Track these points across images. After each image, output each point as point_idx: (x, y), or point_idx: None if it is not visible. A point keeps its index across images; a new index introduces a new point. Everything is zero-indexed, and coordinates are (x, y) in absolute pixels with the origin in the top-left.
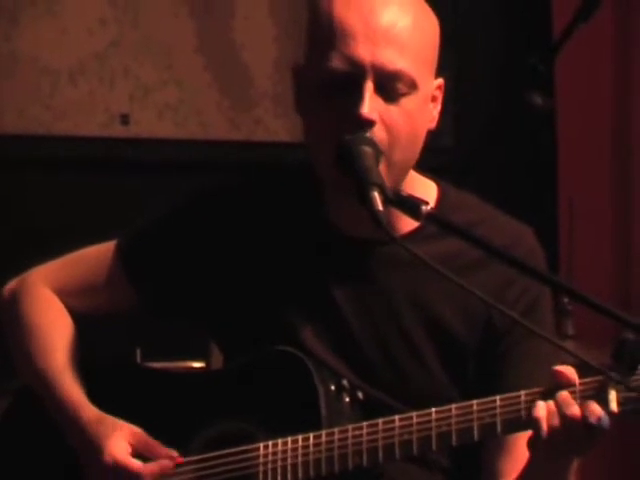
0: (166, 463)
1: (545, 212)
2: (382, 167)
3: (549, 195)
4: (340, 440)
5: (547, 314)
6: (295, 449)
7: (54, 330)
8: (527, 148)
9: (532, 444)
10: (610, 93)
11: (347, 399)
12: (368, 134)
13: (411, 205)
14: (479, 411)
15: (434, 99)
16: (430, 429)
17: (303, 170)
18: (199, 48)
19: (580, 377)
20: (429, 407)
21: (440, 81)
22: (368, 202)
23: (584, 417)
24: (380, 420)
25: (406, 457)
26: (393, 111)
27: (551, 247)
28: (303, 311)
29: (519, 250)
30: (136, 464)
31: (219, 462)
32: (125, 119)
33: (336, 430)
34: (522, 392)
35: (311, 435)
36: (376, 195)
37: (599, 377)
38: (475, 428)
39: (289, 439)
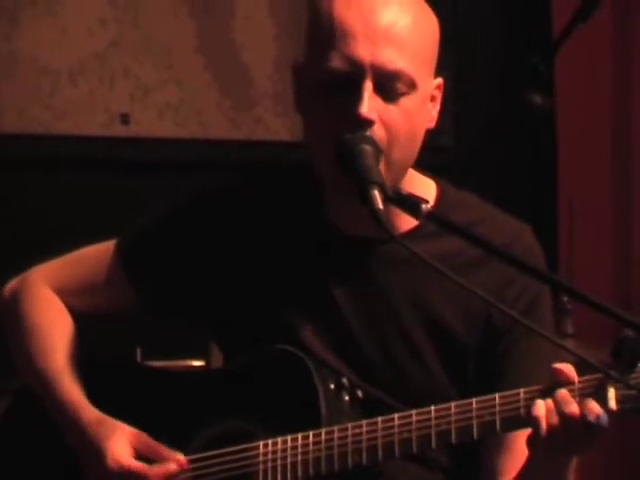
0: (173, 466)
1: (545, 212)
2: (381, 166)
3: (549, 195)
4: (340, 439)
5: (547, 313)
6: (295, 448)
7: (54, 330)
8: (527, 148)
9: (531, 442)
10: (610, 93)
11: (347, 398)
12: (368, 133)
13: (411, 204)
14: (478, 409)
15: (433, 99)
16: (430, 427)
17: (303, 169)
18: (199, 48)
19: (579, 375)
20: (429, 406)
21: (439, 81)
22: (368, 201)
23: (583, 415)
24: (379, 418)
25: (406, 455)
26: (392, 111)
27: (551, 247)
28: (303, 310)
29: (518, 248)
30: (141, 466)
31: (219, 461)
32: (125, 119)
33: (336, 429)
34: (521, 390)
35: (311, 434)
36: (376, 194)
37: (598, 375)
38: (474, 426)
39: (289, 438)
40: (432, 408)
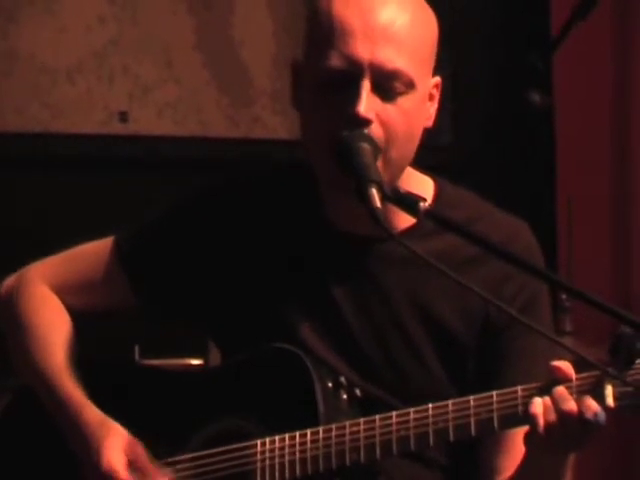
0: None
1: (544, 210)
2: (380, 164)
3: (548, 193)
4: (337, 437)
5: (545, 310)
6: (293, 446)
7: (52, 328)
8: (525, 146)
9: (528, 439)
10: (609, 91)
11: (344, 396)
12: (366, 131)
13: (409, 202)
14: (476, 407)
15: (431, 97)
16: (427, 425)
17: (301, 168)
18: (198, 45)
19: (577, 372)
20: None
21: (437, 79)
22: (366, 199)
23: (580, 412)
24: (377, 416)
25: (404, 453)
26: (390, 110)
27: (550, 246)
28: (302, 309)
29: (516, 246)
30: (129, 478)
31: (217, 459)
32: (124, 117)
33: (333, 427)
34: (519, 387)
35: (309, 432)
36: (374, 192)
37: (596, 372)
38: (472, 424)
39: (286, 436)
40: (430, 406)
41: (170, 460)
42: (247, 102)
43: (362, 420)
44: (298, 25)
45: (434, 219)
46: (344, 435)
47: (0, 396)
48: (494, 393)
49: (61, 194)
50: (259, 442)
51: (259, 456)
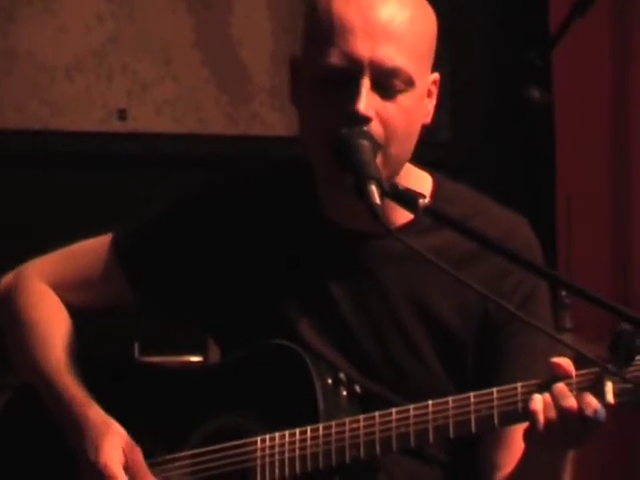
0: None
1: (543, 208)
2: (379, 161)
3: (547, 190)
4: (337, 433)
5: (544, 306)
6: (292, 443)
7: (52, 325)
8: (525, 143)
9: (528, 436)
10: (608, 87)
11: (344, 392)
12: (365, 128)
13: (408, 198)
14: (476, 403)
15: (430, 94)
16: (427, 422)
17: (299, 164)
18: (196, 43)
19: (577, 369)
20: (427, 401)
21: (436, 76)
22: (366, 196)
23: (580, 409)
24: (377, 413)
25: (403, 450)
26: (390, 108)
27: (549, 243)
28: (300, 305)
29: (515, 241)
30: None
31: (216, 456)
32: (123, 114)
33: (333, 423)
34: (518, 384)
35: (308, 429)
36: (373, 188)
37: (595, 369)
38: (472, 421)
39: (286, 433)
40: (430, 403)
41: (169, 457)
42: (246, 99)
43: (362, 417)
44: (297, 23)
45: (434, 216)
46: (344, 432)
47: (0, 394)
48: (494, 390)
49: (60, 191)
50: (259, 439)
51: (259, 453)
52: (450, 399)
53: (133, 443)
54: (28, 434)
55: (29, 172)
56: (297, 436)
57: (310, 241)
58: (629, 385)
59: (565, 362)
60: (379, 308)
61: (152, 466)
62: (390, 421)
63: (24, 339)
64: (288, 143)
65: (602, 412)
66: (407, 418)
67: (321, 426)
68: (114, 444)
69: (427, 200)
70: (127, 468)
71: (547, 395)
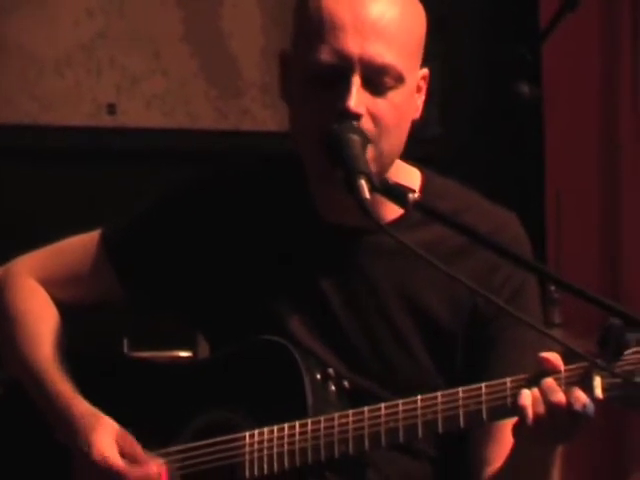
0: (153, 469)
1: (532, 203)
2: (370, 156)
3: (536, 186)
4: (326, 428)
5: (532, 300)
6: (281, 438)
7: (40, 321)
8: (514, 138)
9: (517, 431)
10: (597, 83)
11: (333, 388)
12: (355, 123)
13: (398, 193)
14: (465, 398)
15: (419, 89)
16: (416, 417)
17: (289, 160)
18: (186, 37)
19: (566, 364)
20: (416, 396)
21: (425, 71)
22: (355, 190)
23: (569, 404)
24: (366, 408)
25: (392, 445)
26: (380, 104)
27: (538, 238)
28: (290, 301)
29: (504, 236)
30: (124, 466)
31: (205, 451)
32: (112, 109)
33: (322, 418)
34: (507, 379)
35: (297, 424)
36: (363, 183)
37: (584, 364)
38: (461, 415)
39: (275, 428)
40: (418, 397)
41: (159, 452)
42: (236, 94)
43: (351, 412)
44: (287, 17)
45: (423, 210)
46: (333, 427)
47: None
48: (483, 385)
49: (49, 186)
50: (247, 434)
51: (247, 448)
52: (439, 394)
53: (123, 430)
54: (19, 430)
55: (18, 167)
56: (286, 431)
57: (300, 236)
58: (618, 380)
59: (554, 357)
60: (369, 303)
61: None
62: (379, 416)
63: (13, 335)
64: (279, 139)
65: (591, 407)
66: (396, 413)
67: (310, 421)
68: (105, 435)
69: (417, 195)
70: (123, 455)
71: (536, 390)
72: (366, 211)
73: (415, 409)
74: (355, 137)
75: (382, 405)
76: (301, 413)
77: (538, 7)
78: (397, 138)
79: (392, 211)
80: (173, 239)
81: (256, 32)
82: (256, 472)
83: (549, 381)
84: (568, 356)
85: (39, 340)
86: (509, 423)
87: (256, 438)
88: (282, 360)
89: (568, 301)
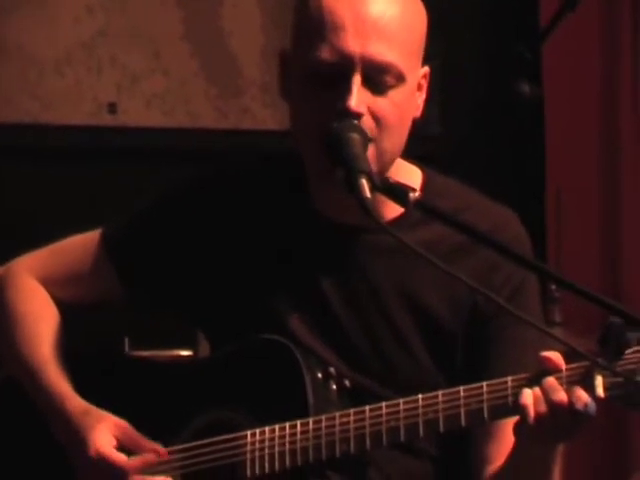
0: (150, 457)
1: (532, 202)
2: (371, 155)
3: (536, 184)
4: (327, 427)
5: (533, 299)
6: (282, 437)
7: (40, 320)
8: (514, 137)
9: (518, 430)
10: (598, 81)
11: (334, 387)
12: (356, 121)
13: (399, 192)
14: (466, 397)
15: (420, 88)
16: (417, 416)
17: (289, 158)
18: (186, 36)
19: (567, 363)
20: (417, 395)
21: (426, 69)
22: (356, 189)
23: (570, 403)
24: (367, 407)
25: (394, 444)
26: (381, 103)
27: (539, 237)
28: (290, 299)
29: (505, 235)
30: (120, 458)
31: (206, 450)
32: (112, 108)
33: (323, 418)
34: (509, 378)
35: (298, 423)
36: (364, 182)
37: (585, 363)
38: (462, 415)
39: (276, 427)
40: (420, 397)
41: None
42: (236, 93)
43: (352, 411)
44: (287, 16)
45: (424, 210)
46: (334, 426)
47: None
48: (484, 384)
49: (50, 185)
50: (249, 433)
51: (249, 447)
52: (440, 393)
53: (118, 420)
54: (16, 428)
55: (19, 166)
56: (287, 430)
57: (301, 235)
58: (619, 379)
59: (555, 356)
60: (369, 302)
61: None
62: (380, 415)
63: (12, 333)
64: (279, 137)
65: (592, 406)
66: (397, 412)
67: (311, 420)
68: (103, 432)
69: (417, 194)
70: (123, 444)
71: (537, 389)
72: (367, 210)
73: (416, 408)
74: (355, 136)
75: (383, 404)
76: (302, 412)
77: (538, 6)
78: (398, 137)
79: (392, 210)
80: (173, 238)
81: (256, 31)
82: (257, 471)
83: (550, 380)
84: (569, 355)
85: (38, 340)
86: (510, 422)
87: (257, 437)
88: (283, 359)
89: (568, 300)
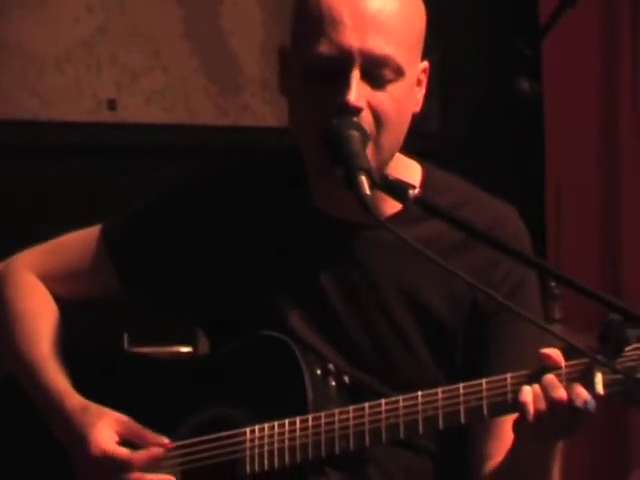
0: (156, 450)
1: (532, 198)
2: (370, 151)
3: (536, 181)
4: (327, 424)
5: (532, 295)
6: (282, 433)
7: (39, 317)
8: (514, 133)
9: (518, 427)
10: (598, 78)
11: (333, 383)
12: (355, 118)
13: (398, 189)
14: (465, 394)
15: (419, 83)
16: (417, 412)
17: (288, 155)
18: (186, 34)
19: (566, 360)
20: (416, 392)
21: (425, 64)
22: (356, 186)
23: (570, 400)
24: (366, 404)
25: (393, 441)
26: (380, 97)
27: (538, 233)
28: (290, 296)
29: (504, 231)
30: (124, 453)
31: (206, 447)
32: (112, 105)
33: (322, 414)
34: (508, 375)
35: (297, 419)
36: (363, 179)
37: (585, 360)
38: (462, 411)
39: (275, 423)
40: (419, 394)
41: None
42: (236, 90)
43: (351, 408)
44: (286, 13)
45: (422, 206)
46: (333, 423)
47: None
48: (483, 381)
49: (50, 182)
50: (248, 430)
51: (248, 444)
52: (439, 390)
53: (120, 416)
54: (15, 426)
55: (18, 163)
56: (286, 427)
57: (300, 232)
58: (619, 376)
59: (554, 353)
60: (368, 298)
61: None
62: (379, 412)
63: (11, 330)
64: (278, 134)
65: (592, 403)
66: (396, 409)
67: (310, 417)
68: (104, 429)
69: (417, 190)
70: (125, 438)
71: (537, 386)
72: (367, 207)
73: (416, 405)
74: (355, 133)
75: (383, 401)
76: (301, 409)
77: (538, 2)
78: (397, 132)
79: (392, 206)
80: (173, 235)
81: (256, 29)
82: (257, 468)
83: (550, 377)
84: (569, 352)
85: (37, 337)
86: (510, 419)
87: (257, 434)
88: (282, 356)
89: (568, 297)
